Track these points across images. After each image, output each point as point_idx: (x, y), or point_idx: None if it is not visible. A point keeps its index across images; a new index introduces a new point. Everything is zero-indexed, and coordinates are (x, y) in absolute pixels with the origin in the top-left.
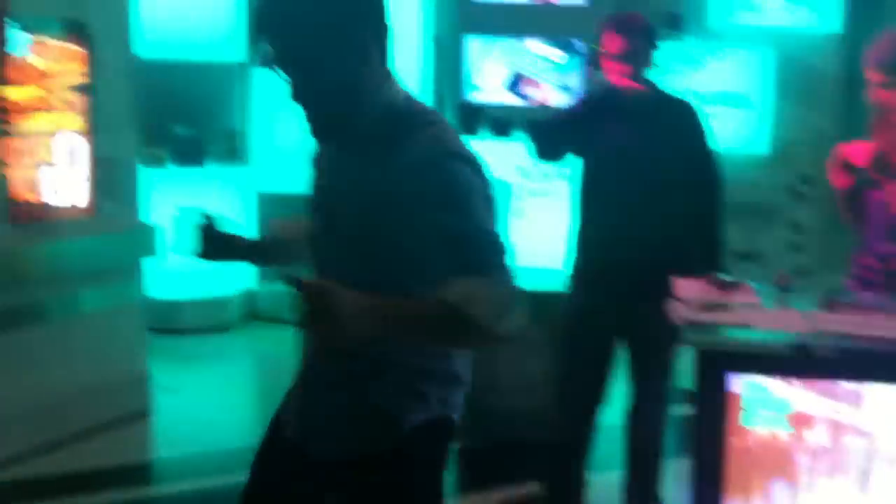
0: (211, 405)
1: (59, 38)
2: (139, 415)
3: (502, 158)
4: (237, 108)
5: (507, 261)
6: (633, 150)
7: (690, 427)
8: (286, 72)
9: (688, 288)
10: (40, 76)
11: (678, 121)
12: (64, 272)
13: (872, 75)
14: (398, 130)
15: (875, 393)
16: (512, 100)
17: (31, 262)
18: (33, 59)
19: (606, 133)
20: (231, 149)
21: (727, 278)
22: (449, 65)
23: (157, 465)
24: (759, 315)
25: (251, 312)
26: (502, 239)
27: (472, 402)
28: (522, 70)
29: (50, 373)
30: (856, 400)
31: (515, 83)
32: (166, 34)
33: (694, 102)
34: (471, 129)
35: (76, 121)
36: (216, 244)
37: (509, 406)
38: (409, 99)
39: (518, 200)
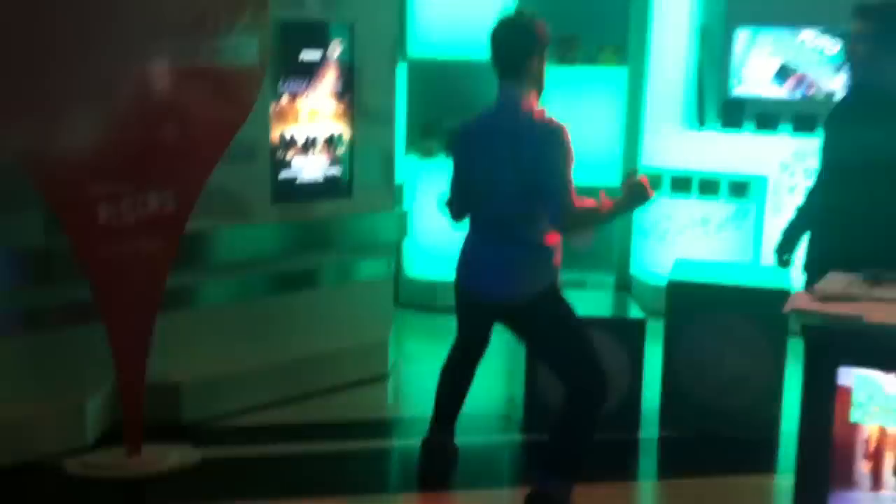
0: None
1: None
2: (379, 377)
3: (765, 152)
4: None
5: None
6: (862, 145)
7: (800, 419)
8: None
9: (835, 280)
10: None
11: None
12: (321, 247)
13: None
14: None
15: None
16: (779, 93)
17: (293, 236)
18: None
19: (843, 130)
20: None
21: (888, 272)
22: (715, 56)
23: (389, 422)
24: (875, 307)
25: None
26: None
27: (679, 394)
28: (792, 62)
29: (308, 332)
30: None
31: (783, 75)
32: (440, 35)
33: None
34: (734, 123)
35: (341, 115)
36: None
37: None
38: None
39: (776, 196)
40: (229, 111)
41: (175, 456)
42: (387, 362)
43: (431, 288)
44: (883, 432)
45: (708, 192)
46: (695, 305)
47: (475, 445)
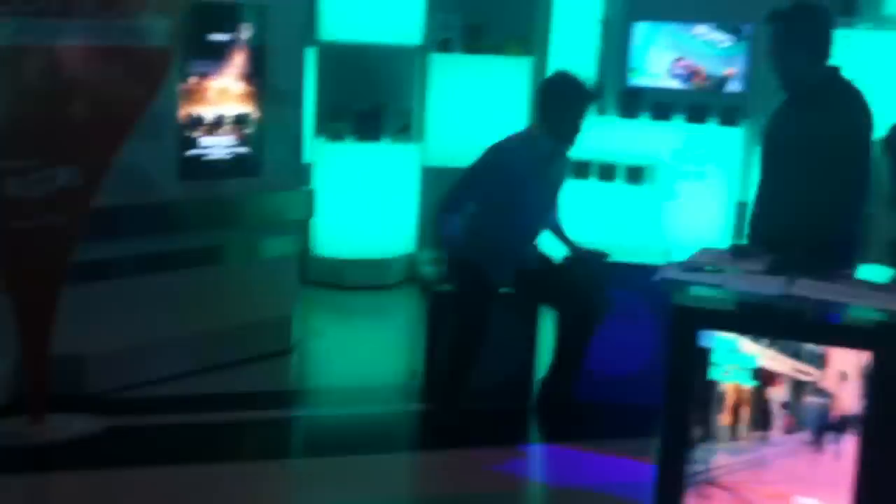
0: (347, 350)
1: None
2: (283, 351)
3: (660, 140)
4: (413, 89)
5: None
6: (781, 136)
7: (664, 378)
8: None
9: (703, 255)
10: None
11: (828, 107)
12: (228, 224)
13: None
14: None
15: (838, 357)
16: (674, 84)
17: (200, 213)
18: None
19: (770, 121)
20: (405, 125)
21: (752, 248)
22: (615, 48)
23: (291, 393)
24: (735, 278)
25: (412, 275)
26: None
27: None
28: (686, 54)
29: (213, 307)
30: (820, 362)
31: (678, 67)
32: (351, 18)
33: (852, 89)
34: (632, 112)
35: (250, 96)
36: None
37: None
38: None
39: (672, 182)
40: (137, 90)
41: (79, 425)
42: (290, 337)
43: (340, 266)
44: (738, 389)
45: (605, 177)
46: None
47: (378, 414)
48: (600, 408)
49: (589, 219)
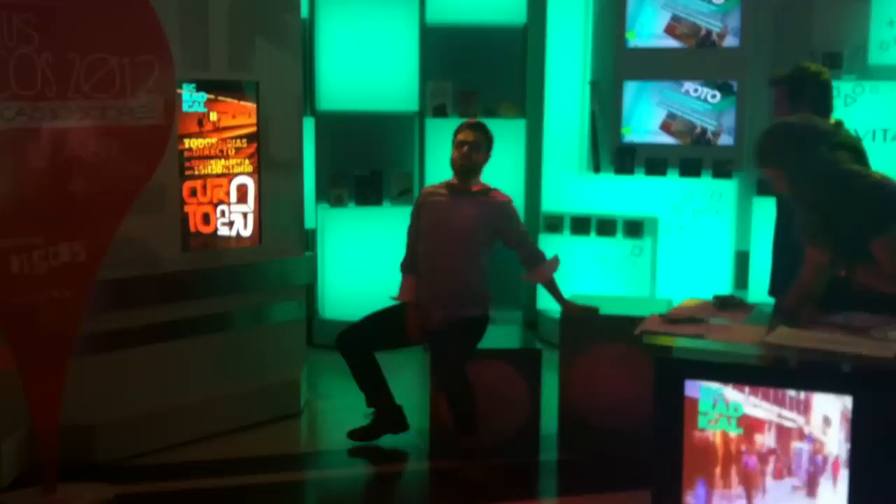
0: (356, 411)
1: (231, 96)
2: (292, 414)
3: (656, 194)
4: (411, 154)
5: None
6: None
7: (654, 428)
8: None
9: (686, 305)
10: (215, 128)
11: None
12: (234, 291)
13: None
14: None
15: (820, 402)
16: (666, 139)
17: (203, 282)
18: (209, 114)
19: None
20: (406, 189)
21: (734, 298)
22: (606, 107)
23: (301, 456)
24: (716, 328)
25: None
26: None
27: (575, 419)
28: (676, 110)
29: (222, 373)
30: (803, 408)
31: (669, 124)
32: (347, 89)
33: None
34: (627, 169)
35: (247, 165)
36: None
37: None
38: None
39: (667, 234)
40: (136, 167)
41: (90, 494)
42: (299, 401)
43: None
44: (726, 436)
45: (605, 233)
46: (585, 335)
47: (388, 474)
48: (598, 461)
49: (590, 273)
